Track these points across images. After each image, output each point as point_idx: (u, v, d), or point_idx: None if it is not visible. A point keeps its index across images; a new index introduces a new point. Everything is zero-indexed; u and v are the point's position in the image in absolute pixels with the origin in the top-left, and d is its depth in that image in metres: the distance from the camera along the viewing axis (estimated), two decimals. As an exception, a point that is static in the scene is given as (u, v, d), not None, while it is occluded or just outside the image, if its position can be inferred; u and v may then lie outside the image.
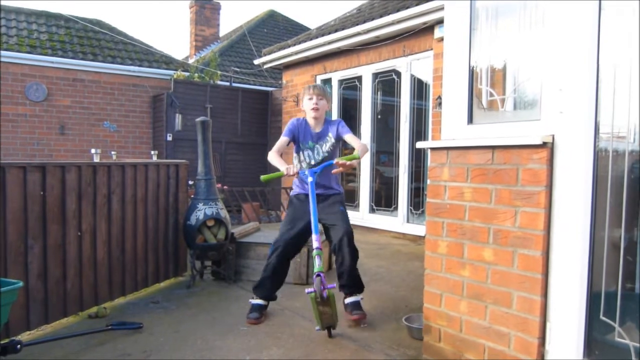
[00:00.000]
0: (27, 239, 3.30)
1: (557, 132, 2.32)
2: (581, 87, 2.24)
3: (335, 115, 8.80)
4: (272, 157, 3.76)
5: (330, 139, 3.92)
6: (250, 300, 3.85)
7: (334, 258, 4.02)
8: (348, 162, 3.58)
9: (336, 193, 3.95)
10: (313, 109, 3.87)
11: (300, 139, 3.95)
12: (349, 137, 3.84)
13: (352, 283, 3.74)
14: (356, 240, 3.86)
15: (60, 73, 10.35)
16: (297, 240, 3.80)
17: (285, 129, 3.97)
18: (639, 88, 2.08)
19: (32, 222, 3.33)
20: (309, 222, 3.58)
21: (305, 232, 3.75)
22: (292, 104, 9.80)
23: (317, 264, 3.24)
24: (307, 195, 3.71)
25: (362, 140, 4.08)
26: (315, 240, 3.38)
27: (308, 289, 3.14)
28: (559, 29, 2.34)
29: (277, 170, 3.67)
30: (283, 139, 3.91)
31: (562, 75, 2.31)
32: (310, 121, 3.95)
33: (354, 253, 3.68)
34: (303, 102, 4.01)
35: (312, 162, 3.92)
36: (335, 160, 3.64)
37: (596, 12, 2.21)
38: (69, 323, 3.66)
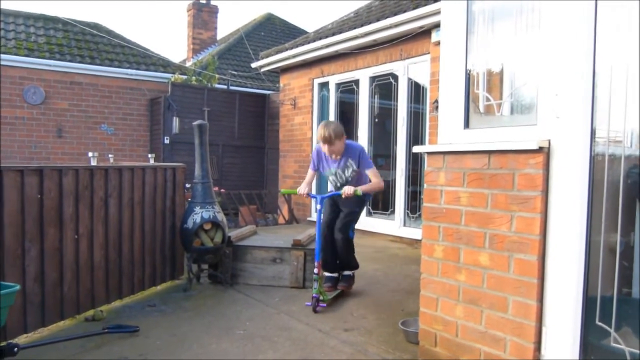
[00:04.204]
0: (25, 242, 3.30)
1: (554, 137, 2.33)
2: (577, 92, 2.25)
3: (332, 119, 8.81)
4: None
5: (352, 165, 4.38)
6: (325, 273, 4.46)
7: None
8: (351, 193, 4.17)
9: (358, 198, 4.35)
10: (329, 152, 4.34)
11: (320, 168, 4.55)
12: (370, 173, 4.37)
13: (343, 264, 4.56)
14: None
15: (58, 76, 10.34)
16: (332, 223, 4.46)
17: (311, 164, 4.60)
18: (637, 92, 2.09)
19: (29, 225, 3.33)
20: (338, 211, 4.47)
21: (336, 216, 4.49)
22: (289, 107, 9.79)
23: (314, 287, 4.06)
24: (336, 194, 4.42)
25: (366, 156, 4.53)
26: (315, 267, 4.12)
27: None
28: (555, 33, 2.35)
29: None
30: (310, 172, 4.61)
31: (558, 80, 2.32)
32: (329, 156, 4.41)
33: (345, 242, 4.40)
34: (319, 142, 4.36)
35: (338, 185, 4.51)
36: (342, 193, 4.21)
37: (592, 16, 2.22)
38: (66, 326, 3.66)
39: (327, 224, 4.49)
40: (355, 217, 4.51)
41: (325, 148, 4.31)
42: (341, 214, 4.44)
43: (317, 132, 4.38)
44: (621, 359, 2.12)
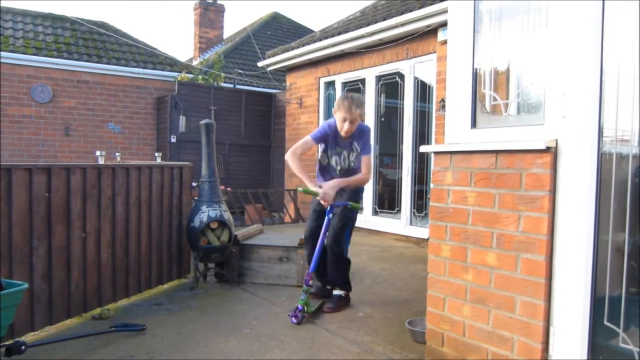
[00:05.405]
0: (32, 240, 3.32)
1: (561, 137, 2.32)
2: (585, 92, 2.24)
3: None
4: (295, 165, 3.91)
5: (356, 149, 4.00)
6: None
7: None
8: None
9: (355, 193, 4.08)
10: (344, 131, 3.90)
11: (329, 145, 4.03)
12: (363, 161, 3.98)
13: (333, 281, 4.11)
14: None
15: (65, 75, 10.39)
16: (318, 230, 3.97)
17: (316, 134, 4.00)
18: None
19: (37, 223, 3.35)
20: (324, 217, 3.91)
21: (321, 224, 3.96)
22: (295, 106, 9.80)
23: (301, 298, 3.73)
24: None
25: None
26: (307, 276, 3.85)
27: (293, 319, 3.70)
28: (562, 33, 2.34)
29: (302, 180, 3.95)
30: (310, 142, 4.00)
31: (565, 79, 2.31)
32: (340, 132, 3.97)
33: (336, 256, 3.97)
34: (336, 113, 3.92)
35: (339, 167, 4.05)
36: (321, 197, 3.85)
37: (599, 15, 2.21)
38: (73, 324, 3.68)
39: (311, 233, 4.07)
40: (349, 221, 4.02)
41: (345, 126, 3.84)
42: (333, 219, 3.92)
43: (340, 105, 3.85)
44: (630, 359, 2.12)
